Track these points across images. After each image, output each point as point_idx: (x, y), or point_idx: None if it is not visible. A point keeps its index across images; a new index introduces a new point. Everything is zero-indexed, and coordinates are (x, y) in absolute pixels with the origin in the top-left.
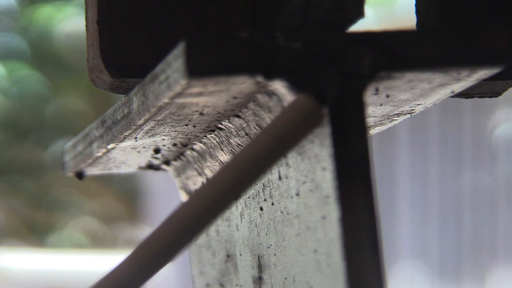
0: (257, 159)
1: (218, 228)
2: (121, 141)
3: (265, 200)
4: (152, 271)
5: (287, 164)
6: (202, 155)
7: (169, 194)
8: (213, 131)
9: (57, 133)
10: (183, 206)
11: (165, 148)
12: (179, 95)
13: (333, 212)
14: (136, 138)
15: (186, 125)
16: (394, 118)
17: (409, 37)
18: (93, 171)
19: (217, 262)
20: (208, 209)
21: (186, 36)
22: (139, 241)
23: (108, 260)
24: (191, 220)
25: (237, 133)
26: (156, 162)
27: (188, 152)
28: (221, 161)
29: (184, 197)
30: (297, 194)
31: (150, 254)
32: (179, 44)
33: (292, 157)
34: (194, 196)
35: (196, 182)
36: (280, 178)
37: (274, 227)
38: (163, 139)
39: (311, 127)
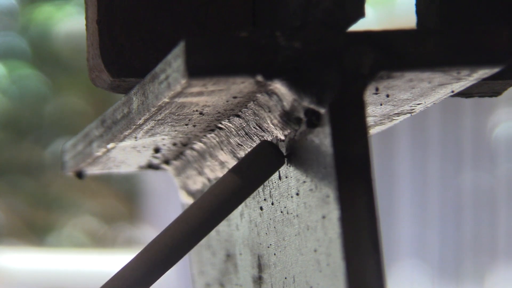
0: (223, 200)
1: (218, 227)
2: (121, 141)
3: (265, 199)
4: None
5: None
6: (202, 155)
7: (169, 194)
8: (213, 130)
9: (56, 132)
10: (153, 242)
11: (165, 147)
12: (179, 94)
13: (333, 211)
14: (136, 137)
15: (186, 124)
16: (394, 118)
17: (409, 37)
18: (93, 170)
19: (217, 262)
20: (176, 247)
21: (186, 35)
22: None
23: (108, 260)
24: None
25: (237, 132)
26: (156, 161)
27: (188, 152)
28: (221, 160)
29: (184, 197)
30: (297, 194)
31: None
32: (179, 43)
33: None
34: (162, 234)
35: (196, 181)
36: (280, 177)
37: (274, 227)
38: (163, 139)
39: (273, 170)
